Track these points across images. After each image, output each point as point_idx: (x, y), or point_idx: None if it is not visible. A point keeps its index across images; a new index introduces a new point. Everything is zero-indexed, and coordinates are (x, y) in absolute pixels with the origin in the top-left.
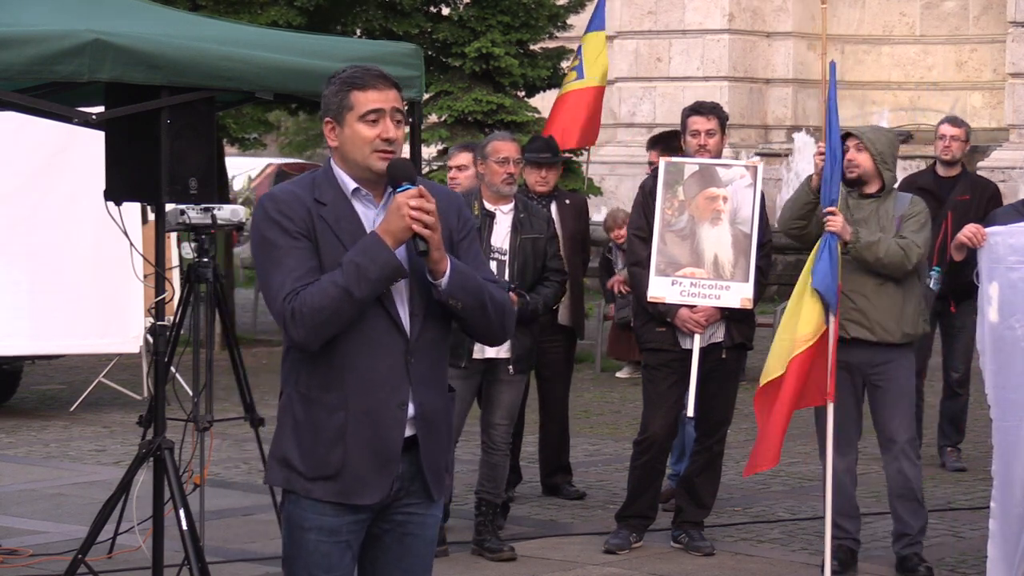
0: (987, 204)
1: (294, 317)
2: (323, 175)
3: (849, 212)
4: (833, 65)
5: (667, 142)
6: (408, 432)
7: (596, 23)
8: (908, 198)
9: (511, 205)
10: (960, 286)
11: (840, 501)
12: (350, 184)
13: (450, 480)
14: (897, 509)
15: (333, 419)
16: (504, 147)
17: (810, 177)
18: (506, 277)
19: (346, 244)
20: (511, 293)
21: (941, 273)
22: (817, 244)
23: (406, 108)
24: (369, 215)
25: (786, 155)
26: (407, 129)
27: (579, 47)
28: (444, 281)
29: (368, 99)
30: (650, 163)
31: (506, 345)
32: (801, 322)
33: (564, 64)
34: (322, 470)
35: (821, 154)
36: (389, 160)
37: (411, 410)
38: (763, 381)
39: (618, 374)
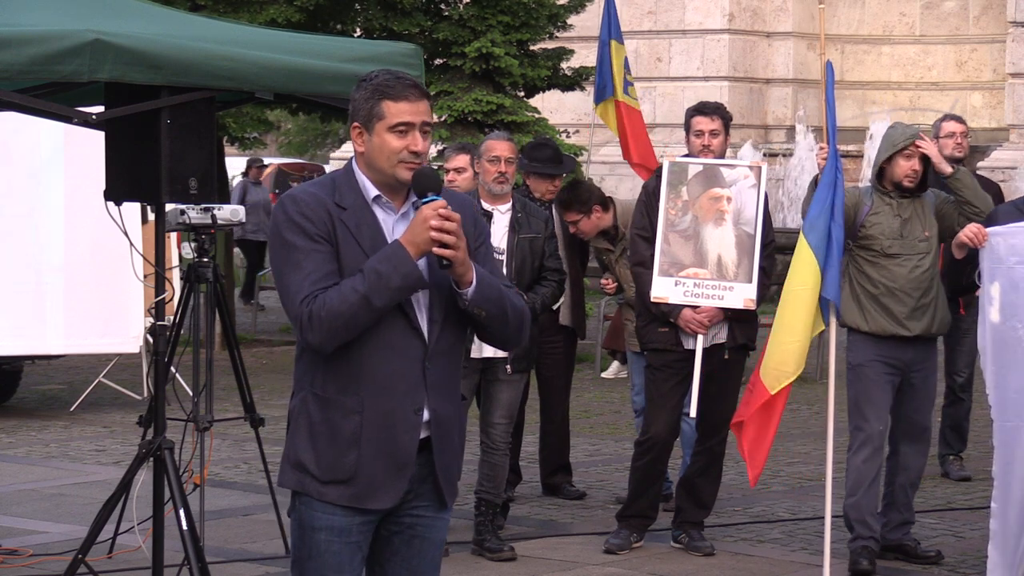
0: None
1: (311, 321)
2: (344, 178)
3: (895, 212)
4: (830, 65)
5: (578, 197)
6: (423, 434)
7: (615, 33)
8: (932, 195)
9: (509, 205)
10: (965, 286)
11: (870, 498)
12: (372, 191)
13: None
14: (908, 497)
15: (348, 422)
16: (497, 146)
17: (817, 177)
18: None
19: (366, 250)
20: None
21: None
22: (805, 246)
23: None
24: (389, 222)
25: (786, 155)
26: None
27: (623, 60)
28: (470, 292)
29: (400, 110)
30: (572, 222)
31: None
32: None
33: (564, 64)
34: (336, 474)
35: (825, 158)
36: (414, 170)
37: (425, 415)
38: (780, 381)
39: (604, 374)
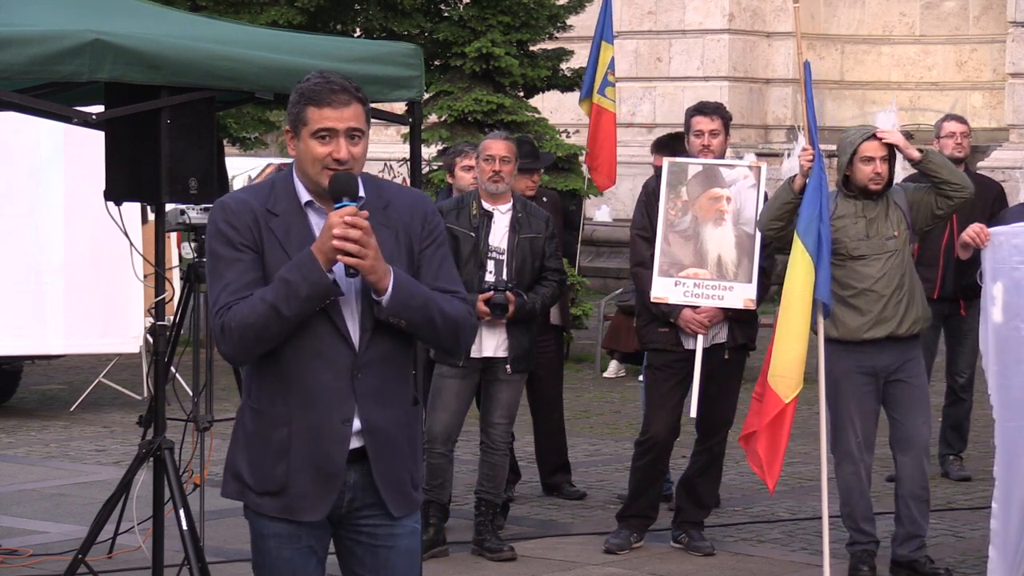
0: (992, 204)
1: (223, 332)
2: (282, 183)
3: (859, 213)
4: (807, 65)
5: (672, 146)
6: (356, 444)
7: (606, 34)
8: (901, 189)
9: (509, 204)
10: (968, 287)
11: (863, 505)
12: (304, 195)
13: (418, 495)
14: (911, 510)
15: (278, 433)
16: (492, 145)
17: (792, 177)
18: (504, 277)
19: (293, 256)
20: (508, 293)
21: None
22: (802, 250)
23: (405, 112)
24: (322, 227)
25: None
26: (410, 133)
27: (607, 58)
28: (384, 299)
29: (322, 117)
30: (656, 167)
31: (504, 344)
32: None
33: (564, 65)
34: (267, 485)
35: (809, 160)
36: (331, 175)
37: (357, 425)
38: (792, 389)
39: (605, 374)
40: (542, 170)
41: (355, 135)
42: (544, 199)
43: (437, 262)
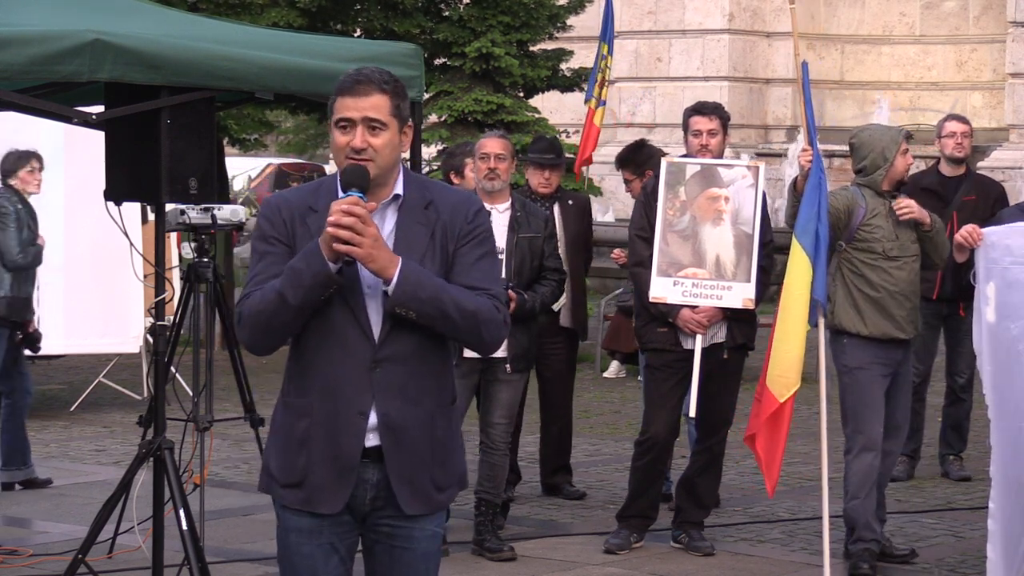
0: (993, 205)
1: (240, 320)
2: (330, 180)
3: (888, 213)
4: (805, 65)
5: (634, 159)
6: (376, 441)
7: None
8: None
9: (507, 203)
10: (966, 288)
11: (870, 500)
12: (340, 190)
13: (442, 497)
14: (883, 494)
15: (300, 424)
16: (487, 143)
17: (795, 180)
18: (503, 276)
19: None
20: (508, 291)
21: None
22: (799, 249)
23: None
24: None
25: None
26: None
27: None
28: (390, 289)
29: (343, 106)
30: (626, 180)
31: (503, 344)
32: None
33: (563, 65)
34: (289, 476)
35: (809, 160)
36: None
37: (373, 419)
38: (788, 389)
39: (605, 374)
40: (561, 170)
41: (375, 125)
42: (570, 202)
43: (471, 260)
